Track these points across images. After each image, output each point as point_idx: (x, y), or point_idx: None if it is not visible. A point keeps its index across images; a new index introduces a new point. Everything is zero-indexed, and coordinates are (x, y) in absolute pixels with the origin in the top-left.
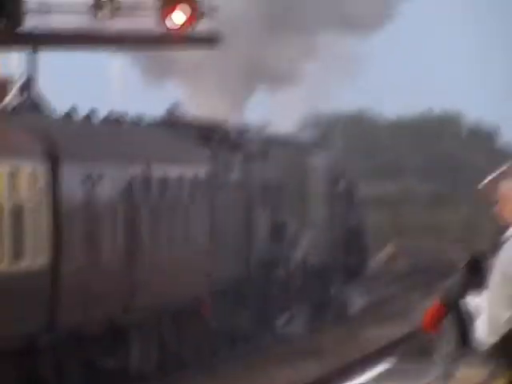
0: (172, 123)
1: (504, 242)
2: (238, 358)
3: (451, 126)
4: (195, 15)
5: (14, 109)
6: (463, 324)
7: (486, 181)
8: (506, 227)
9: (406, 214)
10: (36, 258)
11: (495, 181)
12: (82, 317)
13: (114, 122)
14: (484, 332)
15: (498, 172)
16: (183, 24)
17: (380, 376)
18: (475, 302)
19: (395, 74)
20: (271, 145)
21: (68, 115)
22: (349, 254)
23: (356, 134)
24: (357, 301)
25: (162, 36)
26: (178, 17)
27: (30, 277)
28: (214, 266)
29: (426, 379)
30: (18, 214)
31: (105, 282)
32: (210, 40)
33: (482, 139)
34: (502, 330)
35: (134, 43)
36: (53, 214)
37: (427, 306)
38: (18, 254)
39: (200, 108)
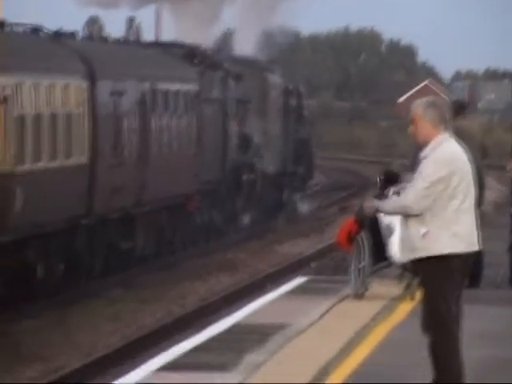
0: (161, 44)
1: (423, 159)
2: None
3: (369, 42)
4: None
5: (60, 34)
6: (377, 240)
7: (403, 97)
8: (424, 145)
9: (324, 131)
10: (80, 156)
11: (413, 97)
12: (108, 206)
13: (127, 43)
14: (398, 250)
15: (415, 89)
16: None
17: (293, 291)
18: (388, 219)
19: None
20: (240, 64)
21: (101, 39)
22: (299, 163)
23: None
24: (302, 206)
25: None
26: None
27: (76, 172)
28: (200, 169)
29: (340, 295)
30: (68, 120)
31: (125, 178)
32: None
33: (401, 57)
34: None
35: None
36: (92, 122)
37: (342, 223)
38: (68, 153)
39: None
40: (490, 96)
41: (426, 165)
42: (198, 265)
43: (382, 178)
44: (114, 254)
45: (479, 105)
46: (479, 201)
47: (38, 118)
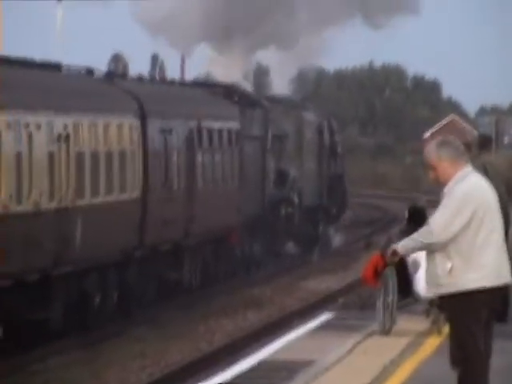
0: (203, 83)
1: (444, 196)
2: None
3: (394, 78)
4: None
5: (112, 75)
6: (404, 276)
7: (428, 133)
8: (444, 185)
9: (349, 166)
10: (133, 191)
11: (438, 133)
12: (158, 238)
13: (175, 84)
14: (423, 287)
15: (439, 124)
16: None
17: (320, 328)
18: (414, 254)
19: None
20: (276, 102)
21: (150, 79)
22: (332, 197)
23: (302, 87)
24: (336, 239)
25: None
26: None
27: (129, 206)
28: (242, 203)
29: (367, 331)
30: (122, 157)
31: (173, 212)
32: None
33: (425, 92)
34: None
35: None
36: (143, 158)
37: (368, 258)
38: (122, 187)
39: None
40: None
41: (449, 197)
42: (224, 301)
43: (408, 213)
44: (163, 286)
45: (505, 139)
46: (506, 235)
47: (95, 155)
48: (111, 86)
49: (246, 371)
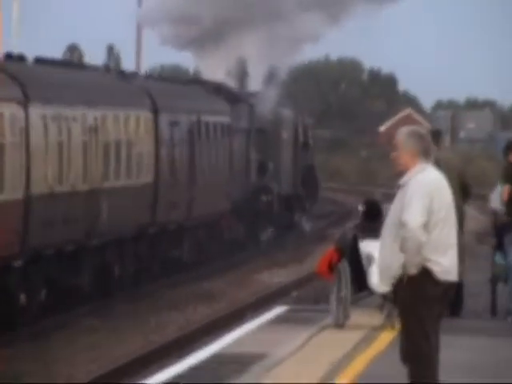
0: (195, 81)
1: (401, 187)
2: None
3: (350, 72)
4: None
5: (126, 73)
6: (358, 269)
7: (384, 126)
8: (403, 172)
9: None
10: (147, 176)
11: (393, 127)
12: (167, 217)
13: (179, 81)
14: (377, 281)
15: (395, 118)
16: None
17: (273, 321)
18: (368, 248)
19: None
20: (256, 98)
21: (160, 77)
22: (305, 188)
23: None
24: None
25: None
26: None
27: (144, 189)
28: (230, 190)
29: (321, 324)
30: (139, 146)
31: (178, 194)
32: None
33: (382, 86)
34: (392, 280)
35: None
36: (155, 146)
37: (323, 252)
38: (139, 173)
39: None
40: (471, 125)
41: (409, 191)
42: (175, 295)
43: (363, 207)
44: (169, 261)
45: (461, 134)
46: (459, 231)
47: (118, 144)
48: (126, 83)
49: (197, 364)
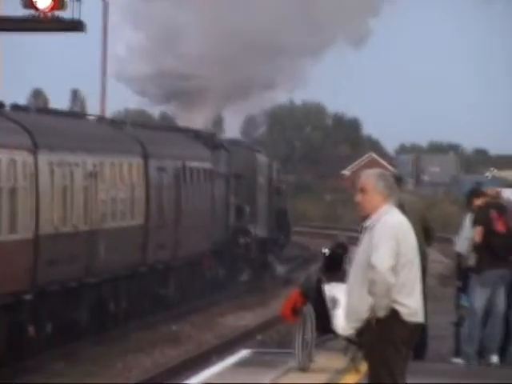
0: (178, 129)
1: (367, 229)
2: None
3: (314, 116)
4: (59, 2)
5: (117, 122)
6: (322, 312)
7: (348, 170)
8: (367, 216)
9: None
10: (139, 218)
11: (357, 171)
12: (155, 257)
13: (165, 128)
14: (343, 322)
15: (358, 162)
16: (48, 8)
17: (237, 364)
18: (333, 291)
19: None
20: (235, 145)
21: (149, 126)
22: (279, 230)
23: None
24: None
25: (28, 19)
26: (43, 2)
27: (135, 230)
28: (212, 231)
29: (285, 367)
30: (132, 190)
31: (165, 236)
32: (74, 26)
33: (346, 130)
34: (360, 323)
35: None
36: (145, 189)
37: (287, 295)
38: (132, 215)
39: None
40: (434, 169)
41: (377, 233)
42: (142, 337)
43: (328, 251)
44: (155, 299)
45: (424, 178)
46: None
47: (114, 188)
48: (118, 131)
49: None
